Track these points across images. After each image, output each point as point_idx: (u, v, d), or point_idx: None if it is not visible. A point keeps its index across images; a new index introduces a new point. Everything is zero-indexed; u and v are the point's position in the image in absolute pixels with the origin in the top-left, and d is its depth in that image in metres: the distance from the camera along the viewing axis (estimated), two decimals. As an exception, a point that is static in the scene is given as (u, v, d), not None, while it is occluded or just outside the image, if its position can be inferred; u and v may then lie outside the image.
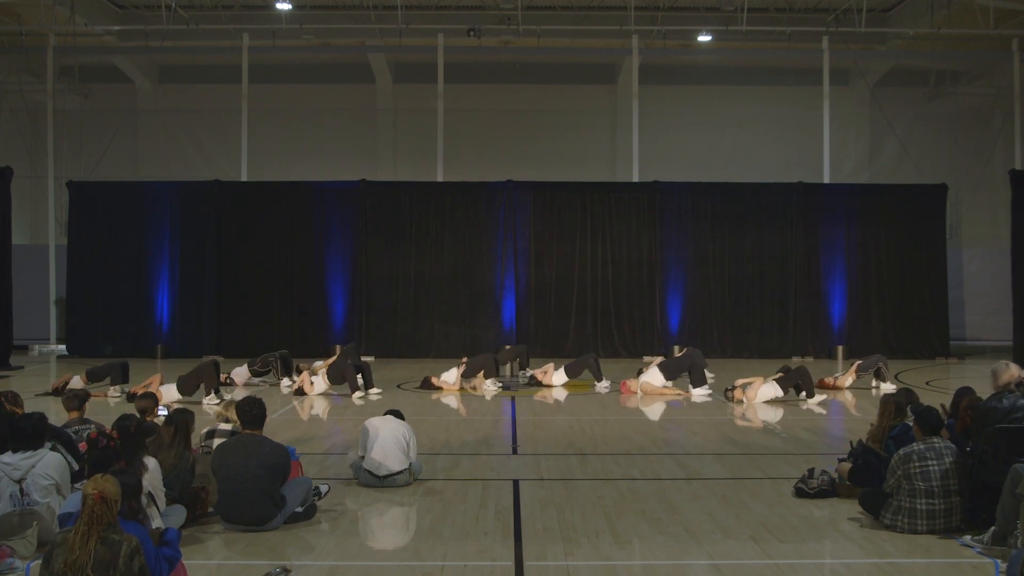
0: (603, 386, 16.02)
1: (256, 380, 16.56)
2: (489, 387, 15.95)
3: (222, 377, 15.15)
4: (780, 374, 14.73)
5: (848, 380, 16.04)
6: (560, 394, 15.89)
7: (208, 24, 22.72)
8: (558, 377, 16.49)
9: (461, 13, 23.15)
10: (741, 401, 14.37)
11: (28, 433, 7.01)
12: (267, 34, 22.89)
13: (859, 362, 16.48)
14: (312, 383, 15.41)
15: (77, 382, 14.73)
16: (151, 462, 6.92)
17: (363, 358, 18.23)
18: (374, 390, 15.33)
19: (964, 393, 8.31)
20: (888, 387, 15.48)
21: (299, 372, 16.56)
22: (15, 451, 6.96)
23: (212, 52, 24.30)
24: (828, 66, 23.12)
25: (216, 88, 24.63)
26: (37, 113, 23.67)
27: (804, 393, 14.41)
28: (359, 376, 15.29)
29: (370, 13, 22.38)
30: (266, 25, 22.82)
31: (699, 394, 15.33)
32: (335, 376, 15.26)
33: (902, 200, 22.30)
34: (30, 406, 9.16)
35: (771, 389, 14.43)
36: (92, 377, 15.13)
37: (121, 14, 24.00)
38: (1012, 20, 22.70)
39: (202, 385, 14.36)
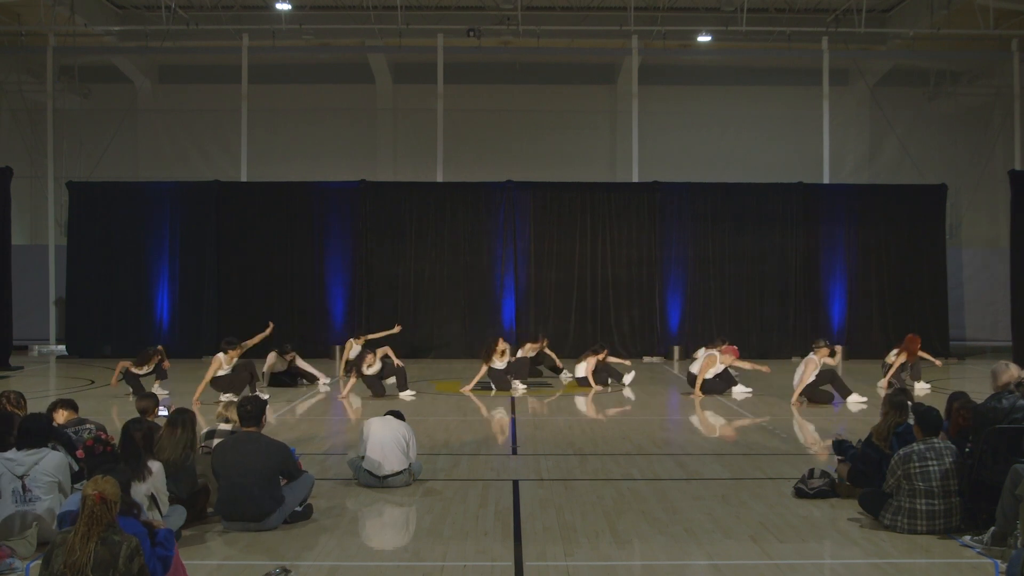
0: (629, 378, 16.28)
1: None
2: (518, 386, 15.96)
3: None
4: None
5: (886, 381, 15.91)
6: (560, 394, 15.89)
7: (208, 24, 22.72)
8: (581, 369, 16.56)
9: (461, 13, 23.14)
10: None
11: (33, 433, 7.06)
12: (267, 34, 22.88)
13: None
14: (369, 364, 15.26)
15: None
16: (155, 465, 6.94)
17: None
18: (407, 392, 15.21)
19: (956, 397, 8.33)
20: (922, 385, 15.62)
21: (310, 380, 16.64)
22: (19, 448, 6.99)
23: (212, 52, 24.30)
24: (828, 66, 23.12)
25: (216, 88, 24.61)
26: (37, 113, 23.68)
27: (840, 395, 14.41)
28: (393, 379, 15.37)
29: (370, 13, 22.37)
30: (266, 25, 22.81)
31: (740, 391, 15.48)
32: (373, 385, 15.27)
33: (902, 200, 22.30)
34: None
35: (812, 367, 14.37)
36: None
37: (121, 14, 23.99)
38: (1012, 20, 22.70)
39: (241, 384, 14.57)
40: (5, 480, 6.89)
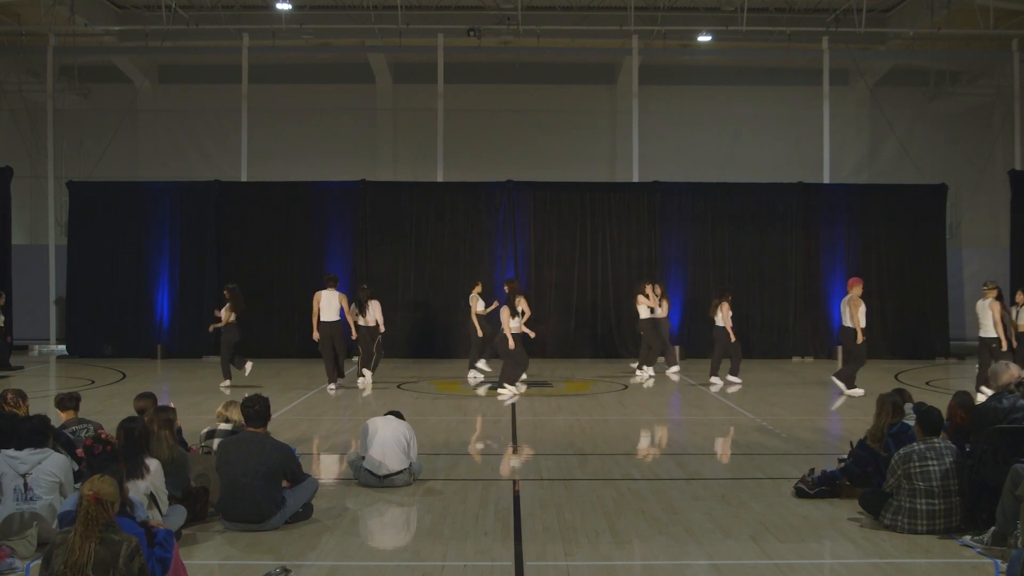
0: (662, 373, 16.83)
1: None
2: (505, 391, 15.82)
3: None
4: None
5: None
6: (560, 395, 15.89)
7: (208, 24, 22.69)
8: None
9: (461, 13, 23.12)
10: None
11: (35, 433, 7.06)
12: (267, 34, 22.87)
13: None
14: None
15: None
16: (153, 463, 6.93)
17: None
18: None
19: (957, 396, 8.34)
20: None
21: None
22: (19, 448, 6.98)
23: (212, 52, 24.27)
24: (828, 66, 23.10)
25: (216, 88, 24.60)
26: (37, 113, 23.65)
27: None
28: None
29: (370, 13, 22.36)
30: (266, 25, 22.80)
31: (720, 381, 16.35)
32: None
33: (902, 200, 22.29)
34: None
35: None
36: None
37: (121, 14, 23.98)
38: (1012, 20, 22.69)
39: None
40: (7, 479, 6.89)
